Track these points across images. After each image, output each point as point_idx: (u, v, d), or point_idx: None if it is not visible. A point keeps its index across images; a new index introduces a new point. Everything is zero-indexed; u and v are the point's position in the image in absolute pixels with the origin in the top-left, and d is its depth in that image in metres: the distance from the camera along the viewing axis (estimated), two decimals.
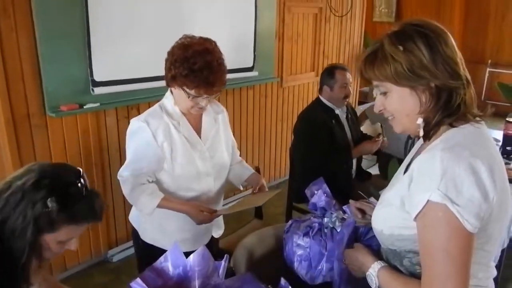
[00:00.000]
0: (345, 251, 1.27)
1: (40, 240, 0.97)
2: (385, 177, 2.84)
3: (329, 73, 2.66)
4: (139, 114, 2.89)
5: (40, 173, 0.98)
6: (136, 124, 1.65)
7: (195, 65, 1.52)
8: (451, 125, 0.97)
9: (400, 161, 2.52)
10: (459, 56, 0.96)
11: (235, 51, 3.48)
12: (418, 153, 1.04)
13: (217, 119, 1.83)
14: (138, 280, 0.81)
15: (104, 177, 2.87)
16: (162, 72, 2.88)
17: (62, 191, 0.97)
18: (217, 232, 1.95)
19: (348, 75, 2.67)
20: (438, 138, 0.96)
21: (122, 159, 2.90)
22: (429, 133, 0.99)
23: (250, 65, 3.64)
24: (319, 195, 1.58)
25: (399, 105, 1.00)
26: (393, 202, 1.01)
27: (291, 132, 4.33)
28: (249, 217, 2.88)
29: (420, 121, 0.99)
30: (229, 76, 3.31)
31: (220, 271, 0.94)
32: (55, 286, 1.23)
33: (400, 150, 2.89)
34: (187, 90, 1.57)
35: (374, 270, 1.06)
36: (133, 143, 1.66)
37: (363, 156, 3.00)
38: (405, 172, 1.06)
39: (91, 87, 2.60)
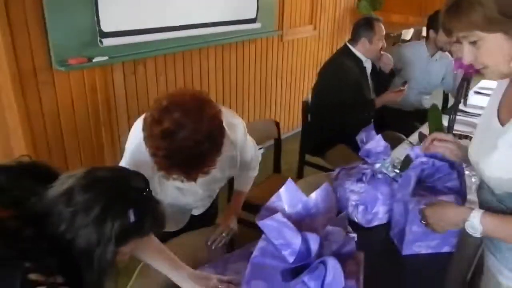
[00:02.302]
0: (426, 210, 1.21)
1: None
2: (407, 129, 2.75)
3: (368, 26, 2.57)
4: (145, 70, 2.82)
5: (115, 182, 0.88)
6: (138, 140, 1.27)
7: (159, 150, 1.12)
8: None
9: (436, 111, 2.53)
10: None
11: (237, 1, 3.32)
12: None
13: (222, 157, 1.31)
14: (266, 221, 0.76)
15: (113, 138, 2.74)
16: (172, 23, 2.78)
17: (138, 202, 0.88)
18: (199, 210, 1.71)
19: (383, 26, 2.61)
20: None
21: (130, 120, 2.78)
22: None
23: (253, 16, 3.50)
24: (377, 140, 1.54)
25: (494, 52, 0.94)
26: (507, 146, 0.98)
27: (291, 88, 4.30)
28: (266, 172, 2.85)
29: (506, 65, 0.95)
30: (231, 28, 3.29)
31: None
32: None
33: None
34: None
35: (476, 218, 1.03)
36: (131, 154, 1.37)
37: None
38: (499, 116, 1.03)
39: (99, 38, 2.42)
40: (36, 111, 2.31)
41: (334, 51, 5.10)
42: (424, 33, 6.07)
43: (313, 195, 0.83)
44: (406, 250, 1.42)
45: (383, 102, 2.65)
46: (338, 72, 2.60)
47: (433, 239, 1.41)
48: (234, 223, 1.58)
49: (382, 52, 2.71)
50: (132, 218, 0.84)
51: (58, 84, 2.36)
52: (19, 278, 0.73)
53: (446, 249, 1.43)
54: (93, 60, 2.41)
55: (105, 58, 2.47)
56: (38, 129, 2.35)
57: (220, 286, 1.10)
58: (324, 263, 0.75)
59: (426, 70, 2.97)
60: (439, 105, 3.40)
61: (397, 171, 1.61)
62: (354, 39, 2.67)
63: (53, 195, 0.84)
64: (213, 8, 3.10)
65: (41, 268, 0.76)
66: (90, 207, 0.81)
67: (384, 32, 2.64)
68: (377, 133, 2.80)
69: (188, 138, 1.08)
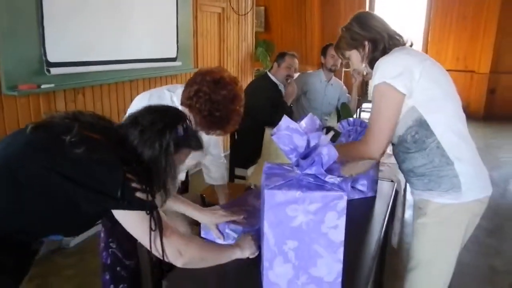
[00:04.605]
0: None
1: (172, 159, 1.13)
2: None
3: (281, 55, 3.26)
4: (84, 98, 3.02)
5: (169, 108, 1.20)
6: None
7: (218, 112, 1.47)
8: None
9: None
10: (383, 23, 1.57)
11: (162, 42, 3.75)
12: None
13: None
14: (281, 132, 1.15)
15: None
16: (108, 57, 3.06)
17: (185, 122, 1.18)
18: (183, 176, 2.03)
19: (296, 61, 3.26)
20: None
21: None
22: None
23: (174, 55, 3.93)
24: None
25: (356, 60, 1.62)
26: None
27: None
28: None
29: (363, 65, 1.61)
30: (156, 65, 3.68)
31: None
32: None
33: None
34: (197, 126, 1.49)
35: None
36: None
37: None
38: None
39: (45, 67, 2.61)
40: None
41: None
42: None
43: (303, 122, 1.26)
44: None
45: (288, 98, 3.24)
46: (255, 93, 3.14)
47: (363, 186, 1.91)
48: None
49: (289, 81, 3.33)
50: (181, 132, 1.13)
51: (6, 109, 2.47)
52: (121, 176, 1.01)
53: (370, 194, 1.94)
54: (41, 87, 2.58)
55: (52, 85, 2.65)
56: None
57: (224, 213, 1.44)
58: (319, 154, 1.16)
59: (324, 93, 3.67)
60: (335, 121, 4.15)
61: None
62: (271, 67, 3.28)
63: (124, 124, 1.13)
64: (142, 47, 3.48)
65: (133, 172, 1.04)
66: (155, 124, 1.10)
67: (295, 65, 3.27)
68: None
69: (241, 105, 1.53)
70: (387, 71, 1.42)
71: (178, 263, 1.16)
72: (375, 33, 1.55)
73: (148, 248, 1.10)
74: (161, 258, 1.13)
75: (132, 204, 1.03)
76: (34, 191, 1.02)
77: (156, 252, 1.12)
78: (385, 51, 1.53)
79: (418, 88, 1.41)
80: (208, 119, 1.48)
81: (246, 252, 1.32)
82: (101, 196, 1.00)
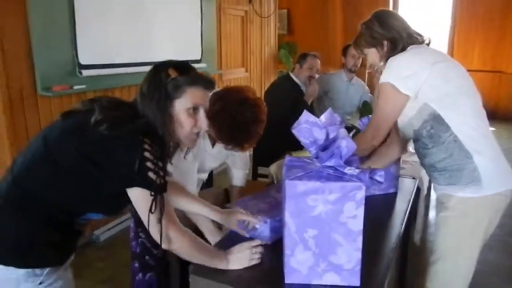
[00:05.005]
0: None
1: (172, 110, 1.16)
2: None
3: (303, 56, 3.32)
4: None
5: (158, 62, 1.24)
6: None
7: (239, 131, 1.57)
8: None
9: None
10: (403, 22, 1.61)
11: (187, 45, 3.87)
12: None
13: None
14: (300, 126, 1.20)
15: None
16: (135, 59, 3.19)
17: (179, 64, 1.19)
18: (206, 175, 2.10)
19: (318, 62, 3.30)
20: None
21: None
22: None
23: (199, 57, 4.04)
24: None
25: (373, 58, 1.66)
26: None
27: None
28: None
29: (381, 63, 1.64)
30: None
31: None
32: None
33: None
34: (217, 139, 1.64)
35: None
36: None
37: None
38: None
39: (78, 69, 2.74)
40: (21, 134, 2.52)
41: (263, 90, 5.88)
42: None
43: (323, 117, 1.31)
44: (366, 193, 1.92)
45: (308, 96, 3.26)
46: (276, 93, 3.23)
47: (380, 176, 1.92)
48: None
49: (311, 82, 3.38)
50: (173, 73, 1.15)
51: (41, 109, 2.61)
52: (140, 154, 1.08)
53: (392, 190, 1.96)
54: (74, 88, 2.72)
55: (84, 86, 2.78)
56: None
57: (242, 211, 1.46)
58: (338, 146, 1.20)
59: (347, 93, 3.69)
60: (356, 120, 4.16)
61: None
62: (294, 68, 3.33)
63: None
64: (168, 49, 3.60)
65: (151, 148, 1.10)
66: (147, 78, 1.17)
67: (317, 66, 3.30)
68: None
69: (262, 127, 1.63)
70: (394, 71, 1.47)
71: (165, 246, 1.19)
72: (394, 33, 1.58)
73: (147, 227, 1.15)
74: (158, 241, 1.16)
75: (143, 181, 1.10)
76: (68, 172, 1.11)
77: (152, 232, 1.15)
78: (403, 50, 1.55)
79: (425, 87, 1.44)
80: (229, 136, 1.58)
81: (233, 266, 1.30)
82: (119, 172, 1.09)
